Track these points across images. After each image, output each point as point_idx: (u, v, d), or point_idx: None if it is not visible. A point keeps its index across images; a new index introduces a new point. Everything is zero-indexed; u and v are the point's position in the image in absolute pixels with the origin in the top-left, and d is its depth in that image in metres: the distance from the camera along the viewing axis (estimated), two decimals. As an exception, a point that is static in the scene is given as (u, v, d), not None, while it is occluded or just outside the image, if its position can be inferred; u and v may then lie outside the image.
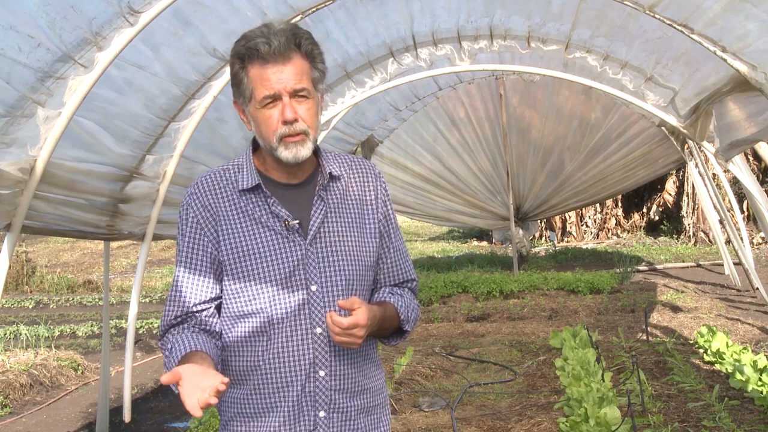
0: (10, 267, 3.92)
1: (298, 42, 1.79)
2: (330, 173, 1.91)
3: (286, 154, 1.80)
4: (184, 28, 4.46)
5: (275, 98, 1.78)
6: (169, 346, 1.81)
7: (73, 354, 7.55)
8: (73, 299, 12.38)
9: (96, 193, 4.54)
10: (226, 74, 5.05)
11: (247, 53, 1.78)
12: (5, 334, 9.00)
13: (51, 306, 11.97)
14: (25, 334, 8.63)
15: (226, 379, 1.58)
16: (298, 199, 1.88)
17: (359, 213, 1.94)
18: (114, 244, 16.72)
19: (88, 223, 4.59)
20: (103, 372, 5.40)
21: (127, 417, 5.37)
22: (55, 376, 6.95)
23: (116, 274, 14.80)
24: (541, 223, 16.21)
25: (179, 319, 1.87)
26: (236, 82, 1.83)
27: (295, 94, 1.79)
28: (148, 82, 4.55)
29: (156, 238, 5.53)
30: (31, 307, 11.93)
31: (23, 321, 10.41)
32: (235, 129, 6.10)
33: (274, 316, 1.83)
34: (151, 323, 9.64)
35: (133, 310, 5.42)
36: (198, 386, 1.57)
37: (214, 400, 1.54)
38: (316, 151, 1.91)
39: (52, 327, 9.64)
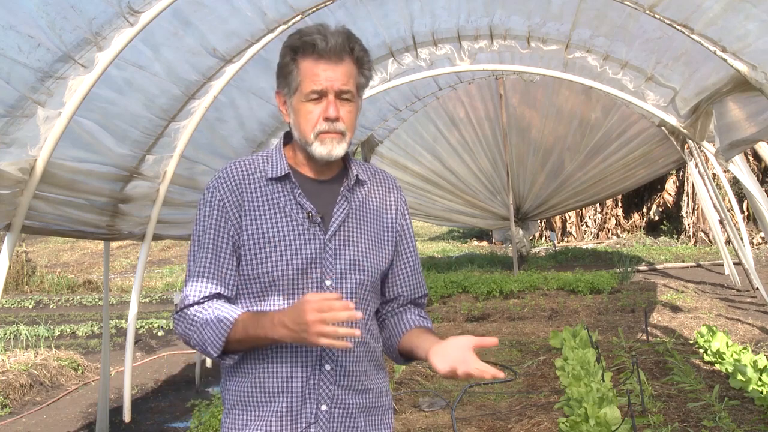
0: (10, 267, 3.92)
1: (351, 46, 1.84)
2: (357, 176, 1.95)
3: (320, 150, 1.84)
4: (184, 28, 4.46)
5: (321, 95, 1.83)
6: (205, 309, 1.81)
7: (73, 354, 7.55)
8: (73, 299, 12.39)
9: (96, 193, 4.54)
10: (226, 74, 5.05)
11: (302, 46, 1.83)
12: (5, 334, 9.00)
13: (51, 306, 11.98)
14: (25, 334, 8.63)
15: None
16: (323, 195, 1.91)
17: (378, 221, 1.98)
18: (114, 244, 16.72)
19: (88, 223, 4.59)
20: (103, 372, 5.40)
21: (127, 417, 5.38)
22: (55, 376, 6.94)
23: (116, 274, 14.80)
24: (541, 223, 16.21)
25: (203, 300, 1.85)
26: (284, 73, 1.87)
27: (340, 94, 1.83)
28: (148, 82, 4.55)
29: (156, 238, 5.53)
30: (31, 307, 11.94)
31: (23, 321, 10.41)
32: (235, 129, 6.10)
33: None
34: (151, 323, 9.65)
35: (133, 310, 5.43)
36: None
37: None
38: (345, 155, 1.94)
39: (52, 327, 9.64)
